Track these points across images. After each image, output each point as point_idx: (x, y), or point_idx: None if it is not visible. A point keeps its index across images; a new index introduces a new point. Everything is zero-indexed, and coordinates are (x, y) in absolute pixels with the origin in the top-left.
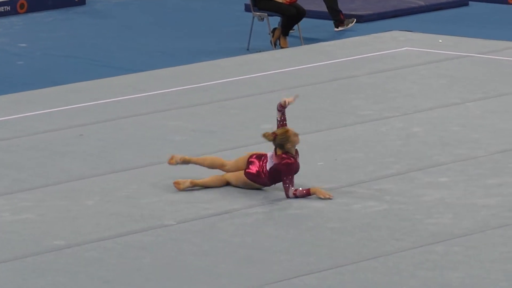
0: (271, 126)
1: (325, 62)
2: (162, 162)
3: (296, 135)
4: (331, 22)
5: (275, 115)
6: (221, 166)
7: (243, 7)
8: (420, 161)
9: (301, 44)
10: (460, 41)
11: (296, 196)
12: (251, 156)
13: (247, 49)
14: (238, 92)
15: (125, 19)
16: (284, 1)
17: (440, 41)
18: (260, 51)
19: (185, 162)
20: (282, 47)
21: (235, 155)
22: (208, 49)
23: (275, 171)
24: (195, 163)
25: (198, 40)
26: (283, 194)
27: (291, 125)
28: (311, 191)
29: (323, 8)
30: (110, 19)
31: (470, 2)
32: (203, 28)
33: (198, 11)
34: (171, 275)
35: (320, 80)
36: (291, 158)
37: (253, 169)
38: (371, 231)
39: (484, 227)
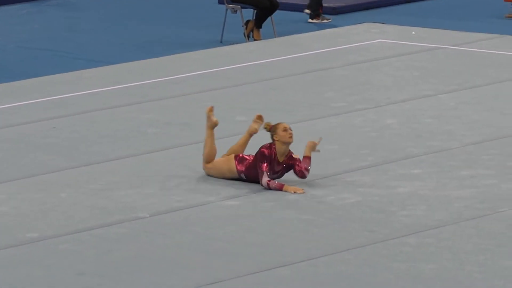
0: (245, 118)
1: (299, 54)
2: (136, 154)
3: (285, 129)
4: (305, 15)
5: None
6: (211, 160)
7: (216, 0)
8: (393, 153)
9: (274, 37)
10: (433, 33)
11: (268, 186)
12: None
13: (221, 42)
14: (212, 84)
15: (98, 12)
16: None
17: (414, 33)
18: (233, 44)
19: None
20: (255, 40)
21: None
22: (181, 41)
23: (254, 157)
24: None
25: (171, 32)
26: (256, 187)
27: (265, 117)
28: (284, 188)
29: (296, 0)
30: (83, 12)
31: None
32: (176, 21)
33: (171, 3)
34: (145, 267)
35: (293, 72)
36: (270, 149)
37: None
38: (345, 223)
39: (457, 218)
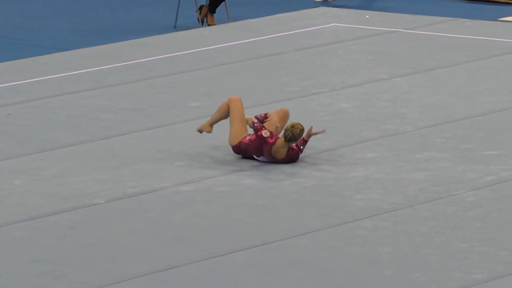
0: (200, 104)
1: (253, 39)
2: (90, 140)
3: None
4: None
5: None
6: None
7: None
8: (348, 137)
9: (228, 21)
10: (387, 17)
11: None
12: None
13: (175, 27)
14: (166, 70)
15: None
16: None
17: (367, 16)
18: (187, 29)
19: (212, 124)
20: (209, 25)
21: (164, 133)
22: (135, 27)
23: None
24: (218, 119)
25: (124, 18)
26: (211, 172)
27: (218, 102)
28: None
29: None
30: None
31: None
32: (129, 6)
33: None
34: (99, 253)
35: (248, 57)
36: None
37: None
38: (300, 208)
39: (413, 201)
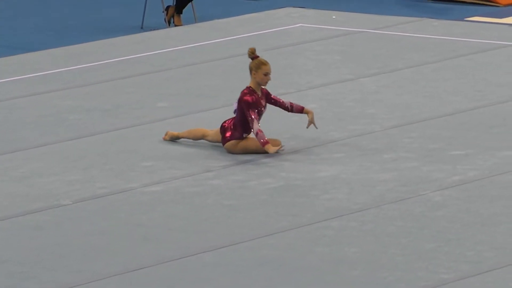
0: (167, 104)
1: (220, 39)
2: (58, 141)
3: (266, 74)
4: None
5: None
6: (203, 137)
7: None
8: (316, 137)
9: (195, 22)
10: (353, 17)
11: (257, 135)
12: (223, 123)
13: (141, 28)
14: (133, 70)
15: None
16: None
17: (334, 17)
18: (154, 29)
19: (174, 137)
20: (176, 25)
21: (132, 134)
22: (101, 27)
23: (239, 108)
24: (183, 137)
25: (91, 18)
26: (179, 172)
27: (186, 102)
28: (266, 146)
29: None
30: None
31: None
32: (95, 6)
33: None
34: (68, 254)
35: (214, 57)
36: (250, 94)
37: (227, 133)
38: (268, 208)
39: (380, 201)
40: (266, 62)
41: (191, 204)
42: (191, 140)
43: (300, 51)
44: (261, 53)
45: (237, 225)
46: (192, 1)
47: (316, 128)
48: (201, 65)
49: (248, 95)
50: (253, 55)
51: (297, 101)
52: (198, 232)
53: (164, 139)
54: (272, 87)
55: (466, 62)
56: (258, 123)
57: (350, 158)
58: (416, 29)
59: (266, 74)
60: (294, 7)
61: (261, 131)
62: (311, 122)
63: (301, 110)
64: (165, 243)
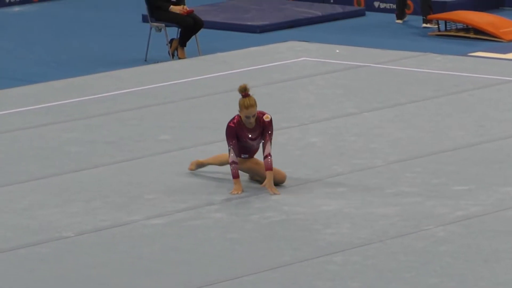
0: (169, 137)
1: (223, 73)
2: (60, 173)
3: (247, 107)
4: (229, 33)
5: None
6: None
7: (140, 18)
8: (318, 172)
9: (199, 55)
10: (356, 51)
11: (230, 167)
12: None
13: (145, 60)
14: (136, 103)
15: (20, 29)
16: (181, 12)
17: (337, 51)
18: (158, 62)
19: (200, 165)
20: (180, 58)
21: (134, 166)
22: (105, 59)
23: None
24: (208, 163)
25: (94, 50)
26: (181, 205)
27: (188, 135)
28: (234, 181)
29: (220, 18)
30: (3, 29)
31: (366, 12)
32: (99, 39)
33: (93, 21)
34: (69, 286)
35: (217, 90)
36: (235, 122)
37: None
38: (270, 242)
39: (383, 236)
40: (250, 105)
41: (194, 237)
42: (199, 171)
43: (303, 85)
44: (263, 87)
45: (239, 259)
46: (196, 34)
47: (271, 194)
48: (203, 98)
49: (231, 122)
50: (243, 92)
51: (300, 135)
52: (201, 266)
53: (191, 169)
54: (275, 121)
55: (469, 97)
56: (248, 154)
57: (353, 193)
58: (419, 64)
59: (248, 117)
60: (297, 40)
61: (234, 163)
62: (265, 185)
63: (265, 168)
64: (167, 277)
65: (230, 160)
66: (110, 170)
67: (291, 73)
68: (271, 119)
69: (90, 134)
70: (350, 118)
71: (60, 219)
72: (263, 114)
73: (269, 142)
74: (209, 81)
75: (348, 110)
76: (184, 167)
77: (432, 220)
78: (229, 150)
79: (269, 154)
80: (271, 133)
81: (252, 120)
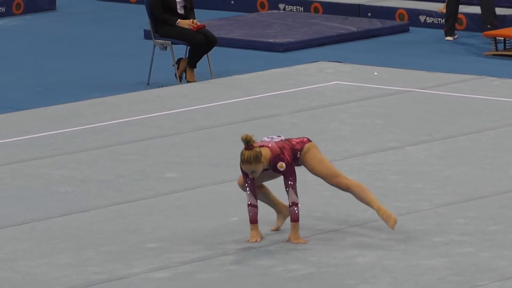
0: (176, 175)
1: (240, 99)
2: (47, 217)
3: (243, 163)
4: (247, 52)
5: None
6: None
7: (142, 34)
8: (352, 216)
9: (211, 77)
10: (399, 74)
11: (248, 210)
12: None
13: (148, 84)
14: (137, 134)
15: None
16: (191, 27)
17: (376, 73)
18: (163, 86)
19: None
20: (188, 81)
21: (134, 209)
22: (100, 83)
23: None
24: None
25: (87, 73)
26: (190, 256)
27: (197, 173)
28: (252, 227)
29: (236, 35)
30: None
31: (411, 28)
32: (93, 59)
33: (85, 38)
34: None
35: (233, 120)
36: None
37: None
38: None
39: None
40: (245, 161)
41: None
42: (209, 213)
43: (335, 113)
44: (287, 116)
45: None
46: (208, 54)
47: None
48: (217, 128)
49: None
50: (247, 144)
51: None
52: None
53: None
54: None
55: None
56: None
57: (393, 241)
58: (474, 89)
59: (243, 163)
60: (328, 61)
61: (252, 206)
62: (289, 239)
63: (290, 219)
64: None
65: (248, 202)
66: (105, 214)
67: (320, 99)
68: (286, 168)
69: (82, 171)
70: (390, 153)
71: (46, 272)
72: (278, 160)
73: (291, 190)
74: (223, 108)
75: (389, 143)
76: (191, 209)
77: (487, 275)
78: (246, 189)
79: (294, 203)
80: (292, 181)
81: (255, 175)
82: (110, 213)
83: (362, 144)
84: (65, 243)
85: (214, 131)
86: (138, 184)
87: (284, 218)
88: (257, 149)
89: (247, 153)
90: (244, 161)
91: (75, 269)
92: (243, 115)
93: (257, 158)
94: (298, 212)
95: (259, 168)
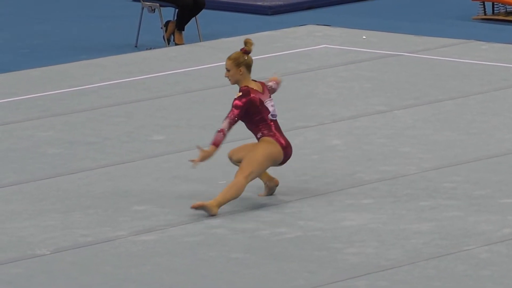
0: (164, 137)
1: None
2: (34, 179)
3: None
4: (235, 15)
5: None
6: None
7: None
8: (339, 180)
9: (199, 40)
10: (387, 37)
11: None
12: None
13: (136, 46)
14: (124, 96)
15: None
16: None
17: (364, 37)
18: (150, 49)
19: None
20: (176, 44)
21: (121, 172)
22: (88, 45)
23: None
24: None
25: (74, 34)
26: (177, 219)
27: (185, 136)
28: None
29: None
30: None
31: None
32: (80, 21)
33: None
34: None
35: (221, 83)
36: (240, 96)
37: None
38: (281, 263)
39: (415, 257)
40: (229, 57)
41: (191, 257)
42: (200, 176)
43: (323, 77)
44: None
45: (244, 283)
46: (197, 16)
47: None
48: (205, 91)
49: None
50: (243, 46)
51: (318, 136)
52: None
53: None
54: (291, 119)
55: None
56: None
57: (381, 205)
58: (461, 53)
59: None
60: (316, 24)
61: (223, 132)
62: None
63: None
64: None
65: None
66: (93, 176)
67: (309, 62)
68: (236, 102)
69: (69, 133)
70: (378, 117)
71: (33, 233)
72: (242, 91)
73: (227, 120)
74: (211, 71)
75: (376, 107)
76: (179, 172)
77: (474, 239)
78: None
79: (222, 130)
80: (232, 115)
81: (228, 76)
82: (97, 175)
83: (350, 108)
84: (52, 205)
85: (202, 94)
86: (126, 146)
87: (270, 190)
88: (245, 56)
89: (235, 52)
90: (229, 55)
91: (62, 231)
92: None
93: (237, 59)
94: (221, 139)
95: (233, 71)
